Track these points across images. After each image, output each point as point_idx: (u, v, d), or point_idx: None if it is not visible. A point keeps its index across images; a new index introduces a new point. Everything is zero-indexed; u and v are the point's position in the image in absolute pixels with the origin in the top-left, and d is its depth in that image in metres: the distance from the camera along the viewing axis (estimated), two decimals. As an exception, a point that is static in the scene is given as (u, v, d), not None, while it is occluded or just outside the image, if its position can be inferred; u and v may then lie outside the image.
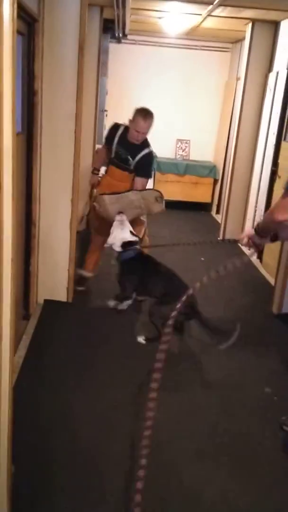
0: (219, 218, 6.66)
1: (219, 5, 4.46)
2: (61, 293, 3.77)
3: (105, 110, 6.21)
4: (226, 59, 7.23)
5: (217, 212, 7.05)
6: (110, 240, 3.46)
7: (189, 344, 3.32)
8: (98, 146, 5.76)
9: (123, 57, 6.98)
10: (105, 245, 3.56)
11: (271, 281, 4.16)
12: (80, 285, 4.08)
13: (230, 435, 2.42)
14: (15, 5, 1.32)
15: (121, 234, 3.45)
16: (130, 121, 3.70)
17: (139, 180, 3.81)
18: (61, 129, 3.37)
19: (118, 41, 6.64)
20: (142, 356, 3.10)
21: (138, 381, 2.80)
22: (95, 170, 4.11)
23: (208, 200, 7.31)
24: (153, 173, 3.94)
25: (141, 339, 3.31)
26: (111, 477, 2.09)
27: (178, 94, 7.21)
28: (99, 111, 5.73)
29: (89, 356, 3.06)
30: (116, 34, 6.18)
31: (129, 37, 6.58)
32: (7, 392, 1.59)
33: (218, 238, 5.87)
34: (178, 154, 7.39)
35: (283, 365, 3.12)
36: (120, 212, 3.54)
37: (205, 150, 7.48)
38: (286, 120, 4.72)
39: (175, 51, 7.11)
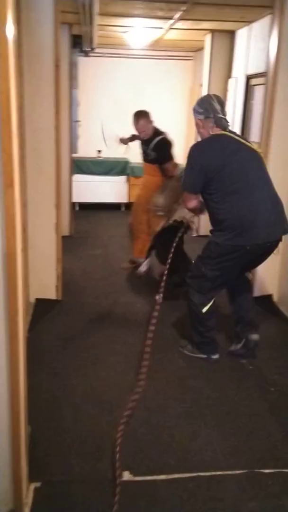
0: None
1: (179, 19, 4.84)
2: (51, 292, 4.05)
3: (78, 121, 6.52)
4: (189, 66, 7.65)
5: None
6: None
7: (171, 320, 3.68)
8: (73, 155, 6.11)
9: (92, 69, 7.33)
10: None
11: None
12: (129, 263, 4.83)
13: (213, 399, 2.76)
14: (16, 28, 1.63)
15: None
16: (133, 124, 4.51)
17: (166, 166, 4.44)
18: (42, 139, 3.67)
19: (86, 54, 6.94)
20: (129, 341, 3.42)
21: (128, 363, 3.12)
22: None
23: (181, 200, 7.68)
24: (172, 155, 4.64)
25: (158, 297, 3.89)
26: (108, 438, 2.39)
27: (146, 102, 7.44)
28: (72, 122, 6.04)
29: (82, 344, 3.37)
30: (84, 49, 6.50)
31: (96, 50, 6.88)
32: (22, 364, 1.88)
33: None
34: (150, 159, 7.73)
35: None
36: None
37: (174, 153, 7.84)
38: (246, 122, 5.12)
39: (141, 61, 7.49)
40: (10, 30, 1.55)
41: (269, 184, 2.90)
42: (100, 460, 2.25)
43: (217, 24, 5.29)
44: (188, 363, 3.14)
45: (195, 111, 2.97)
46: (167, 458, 2.26)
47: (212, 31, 5.64)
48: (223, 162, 2.81)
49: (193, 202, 2.99)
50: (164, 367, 3.08)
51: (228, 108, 5.62)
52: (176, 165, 4.56)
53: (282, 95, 3.74)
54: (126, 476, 2.13)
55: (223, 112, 2.96)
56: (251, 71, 5.04)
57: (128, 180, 7.49)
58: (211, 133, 2.93)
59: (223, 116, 2.93)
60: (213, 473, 2.18)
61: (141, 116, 4.40)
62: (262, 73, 4.55)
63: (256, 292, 4.14)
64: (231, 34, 5.65)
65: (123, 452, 2.23)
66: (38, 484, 2.07)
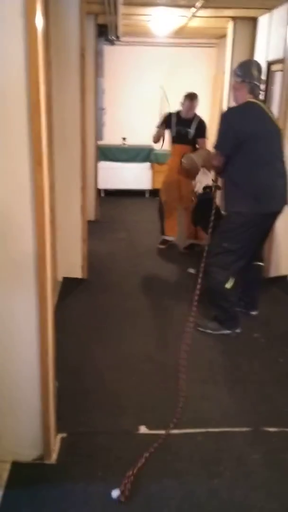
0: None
1: (201, 7, 4.96)
2: (77, 271, 4.29)
3: (103, 108, 6.71)
4: (213, 53, 7.73)
5: (213, 197, 7.55)
6: (197, 186, 4.65)
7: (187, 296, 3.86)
8: (99, 142, 6.32)
9: (117, 57, 7.50)
10: (195, 190, 4.73)
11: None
12: (162, 244, 5.24)
13: (225, 367, 2.97)
14: (44, 19, 1.83)
15: (205, 178, 4.60)
16: (182, 103, 4.96)
17: (201, 141, 5.00)
18: (69, 126, 3.88)
19: (112, 43, 7.12)
20: (149, 317, 3.63)
21: (148, 336, 3.35)
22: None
23: (204, 186, 7.82)
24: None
25: (191, 270, 4.42)
26: (127, 397, 2.65)
27: (170, 89, 7.68)
28: (98, 110, 6.23)
29: (105, 319, 3.60)
30: (110, 37, 6.67)
31: (121, 39, 7.03)
32: (50, 320, 2.11)
33: None
34: (173, 145, 7.88)
35: (270, 317, 3.66)
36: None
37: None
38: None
39: (165, 49, 7.61)
40: (39, 22, 1.74)
41: (283, 159, 3.17)
42: (121, 416, 2.49)
43: (239, 11, 5.39)
44: (203, 335, 3.33)
45: (235, 73, 3.18)
46: (179, 416, 2.48)
47: (235, 18, 5.72)
48: (254, 131, 3.04)
49: (219, 160, 3.18)
50: (180, 339, 3.28)
51: (250, 94, 5.72)
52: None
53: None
54: (143, 429, 2.36)
55: (259, 79, 3.14)
56: (271, 57, 5.13)
57: (152, 167, 7.66)
58: (246, 98, 3.12)
59: (257, 84, 3.12)
60: (221, 429, 2.39)
61: (195, 96, 4.91)
62: (281, 59, 4.63)
63: (271, 273, 4.29)
64: (254, 21, 5.72)
65: (140, 409, 2.46)
66: (64, 435, 2.32)
